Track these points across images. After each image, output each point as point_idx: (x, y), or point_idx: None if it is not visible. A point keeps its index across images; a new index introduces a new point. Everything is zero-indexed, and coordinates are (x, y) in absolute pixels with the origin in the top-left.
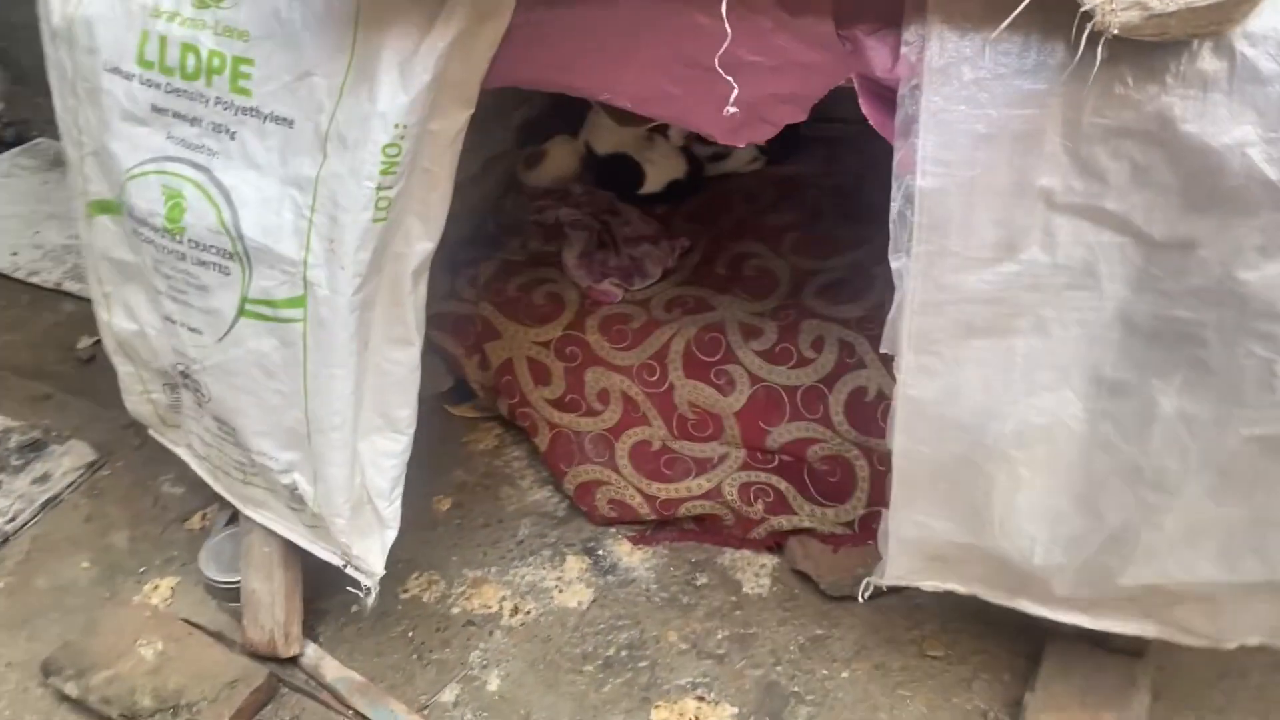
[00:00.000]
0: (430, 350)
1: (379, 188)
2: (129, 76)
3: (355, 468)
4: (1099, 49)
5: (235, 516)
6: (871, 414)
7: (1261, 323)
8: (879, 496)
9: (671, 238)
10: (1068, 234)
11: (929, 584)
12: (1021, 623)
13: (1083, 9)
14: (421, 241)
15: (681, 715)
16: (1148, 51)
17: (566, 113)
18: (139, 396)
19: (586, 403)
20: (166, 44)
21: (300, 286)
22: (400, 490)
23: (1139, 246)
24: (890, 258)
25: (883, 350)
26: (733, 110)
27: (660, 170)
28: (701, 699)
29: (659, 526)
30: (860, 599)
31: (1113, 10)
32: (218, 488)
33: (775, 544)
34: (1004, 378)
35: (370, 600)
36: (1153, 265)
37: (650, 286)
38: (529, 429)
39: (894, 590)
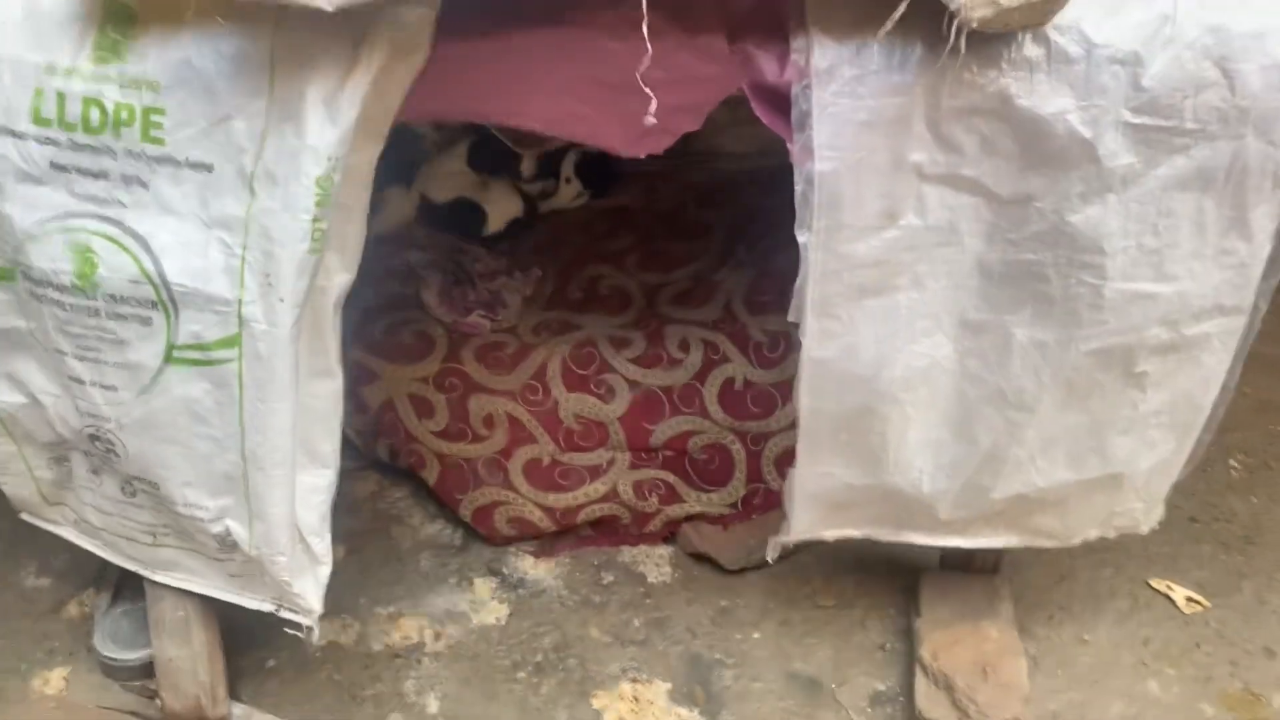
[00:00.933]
0: None
1: (314, 219)
2: (22, 136)
3: (291, 504)
4: (956, 42)
5: (119, 594)
6: (741, 401)
7: (1088, 255)
8: (756, 475)
9: (523, 269)
10: (935, 200)
11: (830, 533)
12: (893, 565)
13: (950, 8)
14: (340, 274)
15: (621, 698)
16: (987, 43)
17: (394, 163)
18: (19, 477)
19: (472, 429)
20: (65, 100)
21: (234, 325)
22: (329, 526)
23: (989, 205)
24: (796, 233)
25: (790, 319)
26: (652, 121)
27: (500, 210)
28: (635, 680)
29: (557, 538)
30: (770, 560)
31: (971, 7)
32: (116, 559)
33: (670, 534)
34: (891, 330)
35: (314, 637)
36: (1001, 219)
37: (513, 315)
38: (415, 464)
39: (783, 556)
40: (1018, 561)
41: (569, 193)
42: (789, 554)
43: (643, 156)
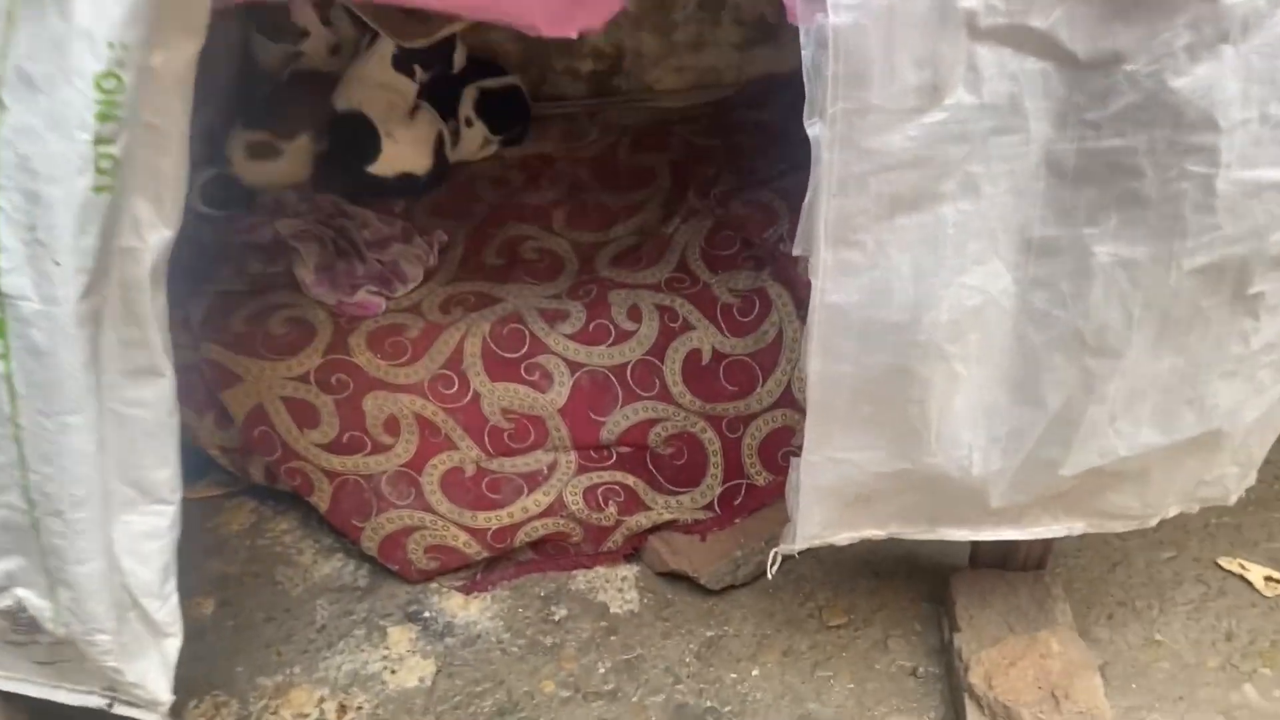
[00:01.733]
0: None
1: (97, 139)
2: None
3: (111, 560)
4: None
5: None
6: (711, 377)
7: (1196, 135)
8: (735, 468)
9: (424, 234)
10: (992, 66)
11: (843, 537)
12: (911, 567)
13: None
14: (157, 229)
15: None
16: None
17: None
18: None
19: (371, 438)
20: None
21: None
22: (174, 582)
23: (1063, 72)
24: (805, 124)
25: (796, 252)
26: None
27: (399, 153)
28: None
29: (490, 567)
30: (769, 574)
31: None
32: None
33: (633, 550)
34: (935, 257)
35: None
36: (1077, 92)
37: (415, 290)
38: (300, 487)
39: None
40: (1059, 549)
41: (473, 139)
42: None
43: (574, 36)
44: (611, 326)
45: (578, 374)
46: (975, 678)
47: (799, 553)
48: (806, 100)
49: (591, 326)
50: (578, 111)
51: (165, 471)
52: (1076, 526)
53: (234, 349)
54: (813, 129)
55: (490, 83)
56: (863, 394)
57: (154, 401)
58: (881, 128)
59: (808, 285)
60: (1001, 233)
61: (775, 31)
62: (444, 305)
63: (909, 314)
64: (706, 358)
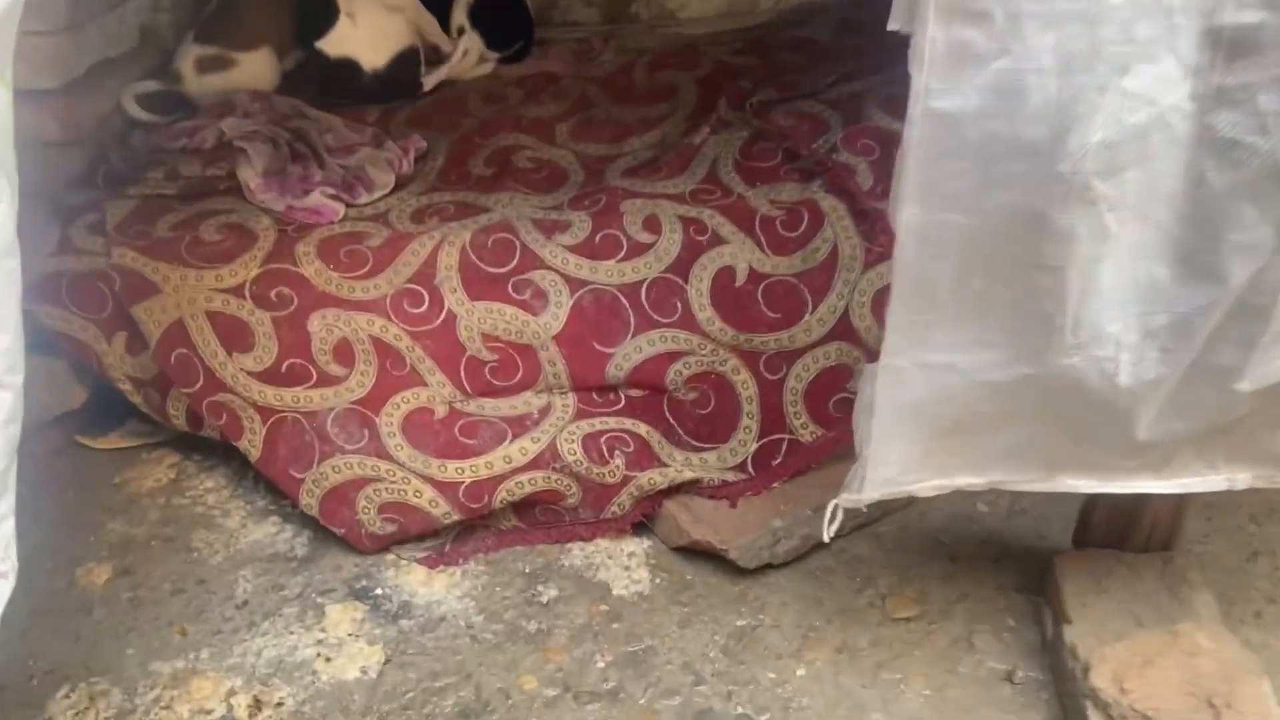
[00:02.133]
0: (39, 344)
1: None
2: None
3: None
4: None
5: None
6: (747, 301)
7: None
8: (776, 419)
9: (399, 141)
10: None
11: (930, 485)
12: (996, 552)
13: None
14: None
15: None
16: None
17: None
18: None
19: (317, 366)
20: None
21: None
22: (10, 502)
23: None
24: None
25: (892, 26)
26: None
27: (349, 37)
28: None
29: (462, 534)
30: (826, 537)
31: None
32: None
33: (643, 517)
34: (1090, 40)
35: None
36: None
37: (382, 199)
38: (226, 428)
39: (818, 545)
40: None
41: (470, 59)
42: (830, 539)
43: None
44: (623, 237)
45: (579, 293)
46: (1100, 680)
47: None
48: None
49: (598, 238)
50: (585, 35)
51: (3, 339)
52: (1240, 478)
53: (152, 255)
54: None
55: None
56: (975, 257)
57: None
58: None
59: (869, 196)
60: (1181, 13)
61: None
62: (417, 215)
63: (1048, 129)
64: (741, 277)
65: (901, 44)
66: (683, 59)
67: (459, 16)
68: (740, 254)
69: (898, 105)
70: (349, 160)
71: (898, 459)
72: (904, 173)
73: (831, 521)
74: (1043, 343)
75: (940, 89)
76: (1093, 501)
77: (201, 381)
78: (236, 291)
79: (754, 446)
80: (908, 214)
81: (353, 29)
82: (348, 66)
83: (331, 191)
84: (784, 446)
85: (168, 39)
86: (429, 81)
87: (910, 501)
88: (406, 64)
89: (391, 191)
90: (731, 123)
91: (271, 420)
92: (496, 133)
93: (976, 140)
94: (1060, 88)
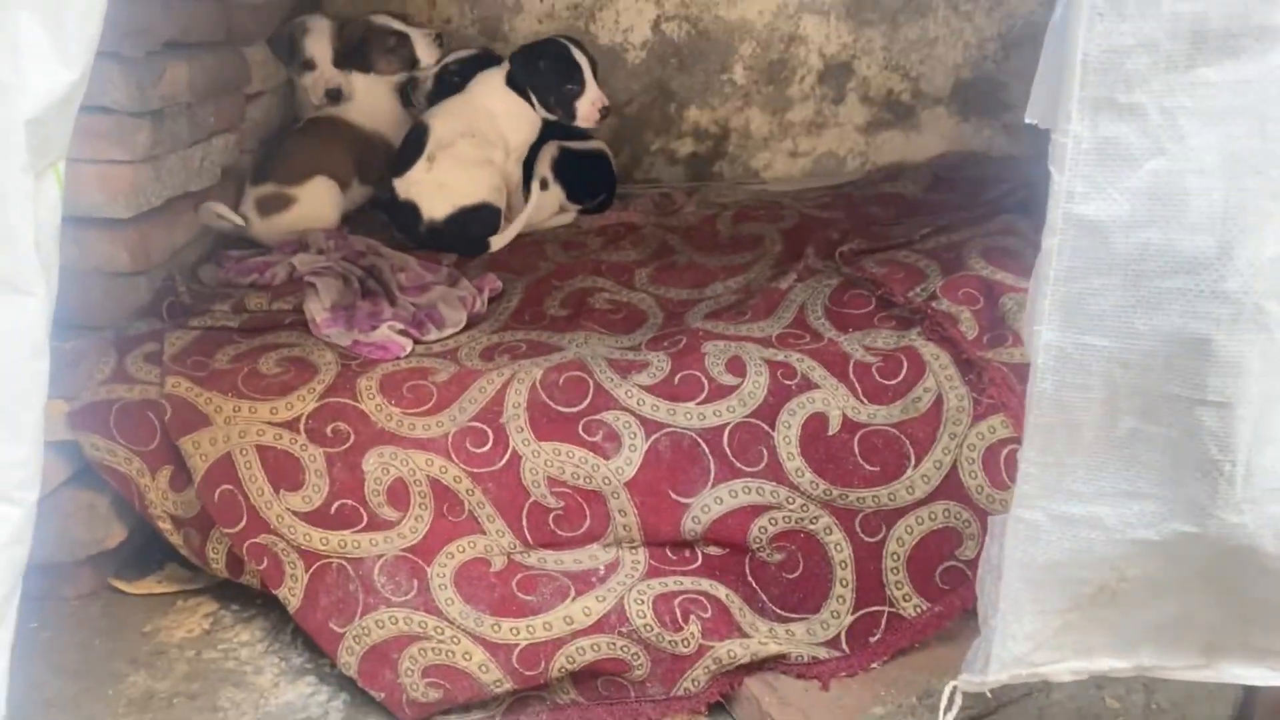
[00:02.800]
0: (79, 478)
1: None
2: None
3: None
4: None
5: None
6: (841, 452)
7: None
8: (874, 587)
9: (474, 280)
10: None
11: (1066, 667)
12: None
13: None
14: (48, 65)
15: None
16: None
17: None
18: None
19: (369, 508)
20: None
21: None
22: (8, 632)
23: None
24: None
25: (1029, 119)
26: None
27: None
28: None
29: (514, 707)
30: None
31: None
32: None
33: (720, 697)
34: (1261, 142)
35: None
36: None
37: (452, 337)
38: (266, 573)
39: None
40: None
41: (549, 204)
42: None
43: None
44: (704, 379)
45: (655, 436)
46: None
47: (989, 697)
48: None
49: (678, 378)
50: (672, 191)
51: (18, 449)
52: None
53: (206, 385)
54: None
55: (573, 144)
56: (1125, 389)
57: (13, 334)
58: None
59: (975, 345)
60: None
61: (909, 112)
62: (487, 352)
63: (1213, 240)
64: (835, 426)
65: (999, 199)
66: (768, 212)
67: (542, 168)
68: (833, 400)
69: (999, 256)
70: (421, 298)
71: (1029, 633)
72: (1041, 289)
73: (949, 709)
74: (1207, 495)
75: (1085, 192)
76: (1251, 700)
77: (245, 521)
78: (290, 425)
79: (849, 619)
80: (1046, 337)
81: (426, 173)
82: (410, 211)
83: (400, 327)
84: (884, 621)
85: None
86: (498, 242)
87: (1027, 692)
88: (472, 219)
89: (463, 330)
90: (820, 270)
91: (315, 566)
92: (574, 275)
93: (1127, 252)
94: (1226, 193)
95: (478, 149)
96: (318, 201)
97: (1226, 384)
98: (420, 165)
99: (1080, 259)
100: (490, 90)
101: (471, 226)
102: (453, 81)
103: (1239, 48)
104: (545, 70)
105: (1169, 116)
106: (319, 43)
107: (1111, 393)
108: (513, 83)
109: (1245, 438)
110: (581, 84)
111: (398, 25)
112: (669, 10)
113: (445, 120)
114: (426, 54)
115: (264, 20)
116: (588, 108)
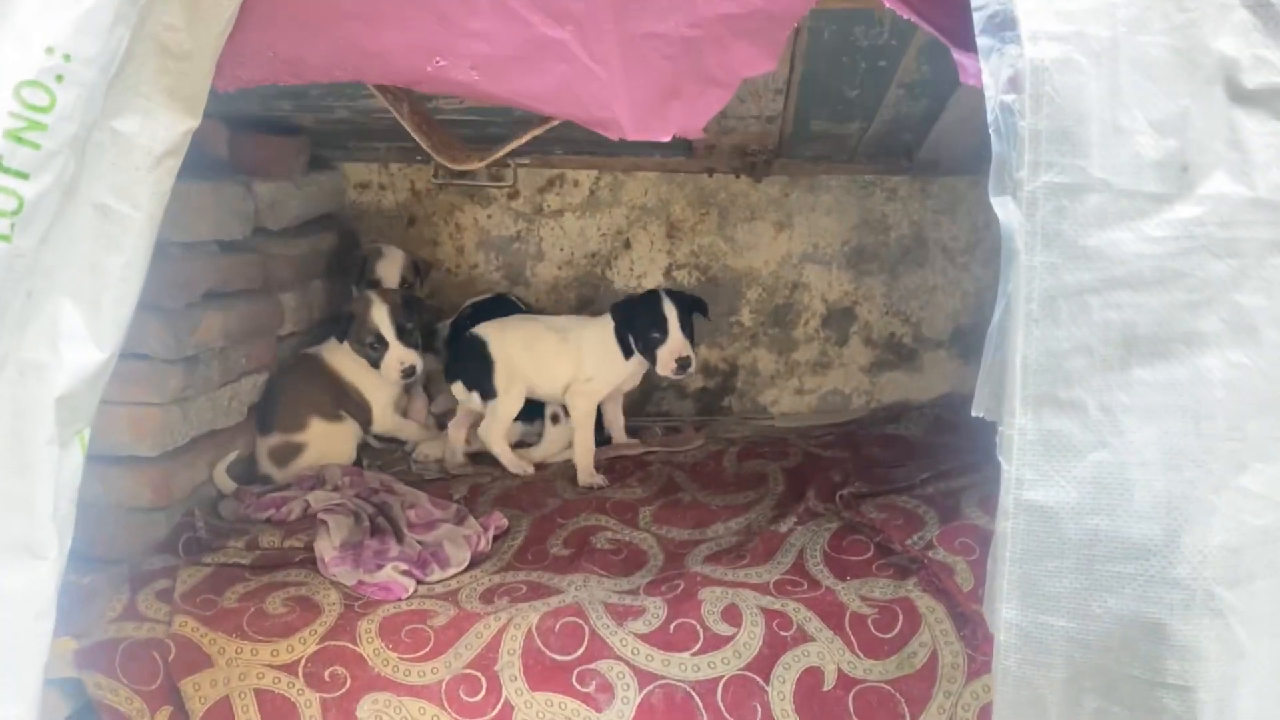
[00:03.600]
0: (79, 716)
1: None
2: None
3: None
4: None
5: None
6: (836, 709)
7: None
8: None
9: (480, 518)
10: (1266, 145)
11: None
12: None
13: None
14: (82, 346)
15: None
16: None
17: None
18: None
19: None
20: None
21: None
22: None
23: None
24: (992, 199)
25: (976, 412)
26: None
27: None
28: None
29: None
30: None
31: None
32: None
33: None
34: (1196, 438)
35: None
36: None
37: (455, 576)
38: None
39: None
40: None
41: (557, 439)
42: None
43: (666, 139)
44: (700, 628)
45: (649, 689)
46: None
47: None
48: (992, 169)
49: (673, 627)
50: (681, 425)
51: (15, 708)
52: None
53: (211, 625)
54: (1002, 207)
55: None
56: (1086, 670)
57: (22, 595)
58: (1107, 218)
59: (970, 598)
60: None
61: (912, 354)
62: (487, 595)
63: (1159, 528)
64: (830, 681)
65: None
66: (773, 449)
67: (552, 405)
68: (829, 654)
69: (996, 504)
70: (428, 536)
71: None
72: (999, 569)
73: None
74: None
75: (1034, 479)
76: None
77: None
78: (289, 669)
79: None
80: (1006, 615)
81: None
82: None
83: (404, 567)
84: None
85: None
86: (516, 467)
87: None
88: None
89: (466, 569)
90: (820, 513)
91: None
92: (579, 513)
93: (1078, 537)
94: (1169, 484)
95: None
96: (327, 441)
97: (1185, 668)
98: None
99: (1034, 542)
100: (597, 335)
101: None
102: (468, 326)
103: (1169, 351)
104: (638, 318)
105: (1108, 412)
106: (389, 269)
107: (1074, 672)
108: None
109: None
110: (665, 333)
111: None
112: (680, 259)
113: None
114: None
115: (302, 268)
116: (665, 356)
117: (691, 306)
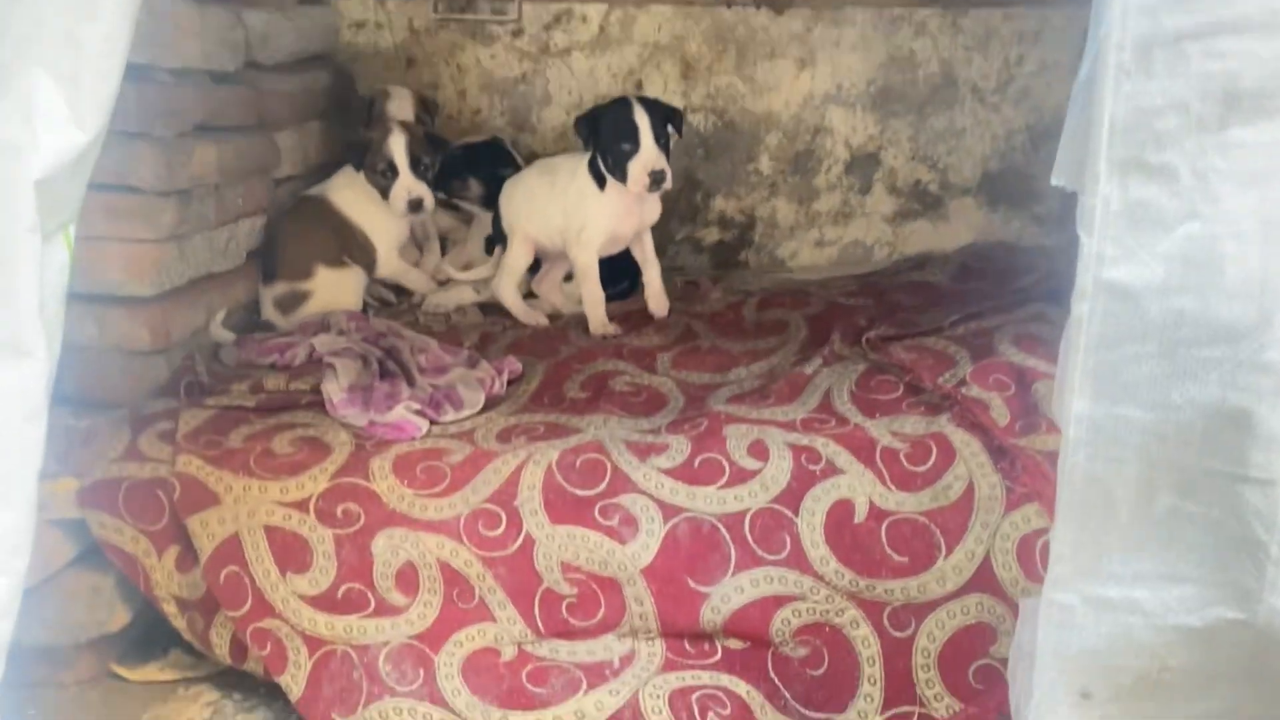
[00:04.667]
0: (84, 559)
1: None
2: None
3: None
4: None
5: None
6: (868, 541)
7: None
8: (902, 686)
9: (493, 362)
10: None
11: None
12: None
13: None
14: (60, 126)
15: None
16: None
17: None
18: None
19: (377, 593)
20: None
21: None
22: None
23: None
24: None
25: (1055, 181)
26: None
27: None
28: None
29: None
30: None
31: None
32: None
33: None
34: None
35: None
36: None
37: (470, 418)
38: (269, 660)
39: None
40: None
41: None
42: None
43: None
44: (726, 462)
45: (674, 521)
46: None
47: None
48: None
49: (697, 462)
50: (698, 279)
51: (7, 515)
52: None
53: (217, 464)
54: None
55: None
56: (1162, 464)
57: (8, 395)
58: None
59: (1007, 433)
60: None
61: (937, 202)
62: (503, 434)
63: (1252, 309)
64: (861, 513)
65: (1029, 288)
66: (793, 298)
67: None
68: (859, 486)
69: (1031, 342)
70: (440, 379)
71: None
72: (1071, 358)
73: None
74: (1253, 578)
75: (1116, 256)
76: None
77: (249, 604)
78: (300, 506)
79: (878, 719)
80: (1077, 408)
81: None
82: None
83: (416, 407)
84: (915, 718)
85: None
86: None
87: None
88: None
89: (481, 411)
90: (846, 356)
91: (320, 653)
92: (595, 359)
93: (1161, 319)
94: (1265, 258)
95: None
96: (333, 289)
97: (1270, 459)
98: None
99: (1112, 326)
100: (578, 171)
101: None
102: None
103: (1274, 108)
104: (604, 128)
105: (1202, 179)
106: (401, 108)
107: (1148, 468)
108: (592, 167)
109: (1249, 515)
110: (636, 143)
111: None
112: (696, 101)
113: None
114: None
115: (297, 107)
116: (637, 169)
117: (666, 116)
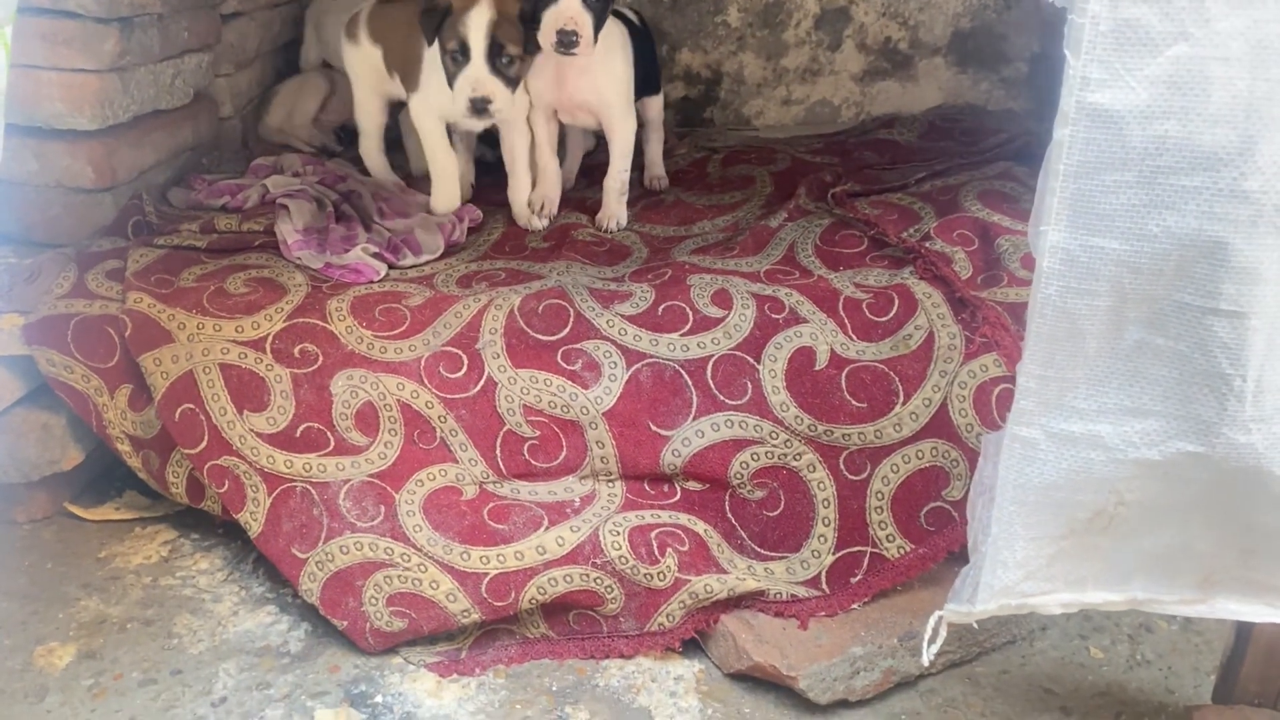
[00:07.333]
0: (34, 397)
1: None
2: None
3: None
4: None
5: None
6: (828, 387)
7: None
8: (855, 527)
9: (455, 210)
10: None
11: (1057, 599)
12: (1112, 705)
13: None
14: None
15: None
16: None
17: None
18: None
19: (336, 432)
20: None
21: None
22: None
23: None
24: None
25: None
26: None
27: None
28: None
29: (481, 638)
30: (925, 658)
31: None
32: None
33: (695, 633)
34: None
35: None
36: None
37: (430, 264)
38: (227, 496)
39: (903, 682)
40: None
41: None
42: (919, 675)
43: None
44: (689, 310)
45: (636, 366)
46: None
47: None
48: None
49: (661, 309)
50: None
51: None
52: None
53: (169, 302)
54: None
55: None
56: (1134, 296)
57: None
58: None
59: (969, 285)
60: None
61: (907, 61)
62: (464, 280)
63: (1235, 135)
64: (822, 360)
65: (996, 147)
66: (759, 155)
67: None
68: (821, 335)
69: (996, 199)
70: (398, 224)
71: (1020, 561)
72: (1049, 185)
73: (933, 640)
74: (1214, 412)
75: (1101, 79)
76: (1243, 642)
77: (206, 442)
78: (256, 345)
79: (830, 559)
80: (1052, 238)
81: None
82: None
83: (374, 250)
84: (865, 561)
85: (224, 104)
86: None
87: (1011, 640)
88: None
89: (440, 258)
90: (812, 211)
91: (279, 490)
92: (559, 211)
93: (1143, 145)
94: (1252, 83)
95: None
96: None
97: (1241, 291)
98: None
99: (1093, 152)
100: None
101: None
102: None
103: None
104: None
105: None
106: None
107: (1119, 300)
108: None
109: (1258, 351)
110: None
111: None
112: None
113: None
114: None
115: None
116: (547, 25)
117: None
